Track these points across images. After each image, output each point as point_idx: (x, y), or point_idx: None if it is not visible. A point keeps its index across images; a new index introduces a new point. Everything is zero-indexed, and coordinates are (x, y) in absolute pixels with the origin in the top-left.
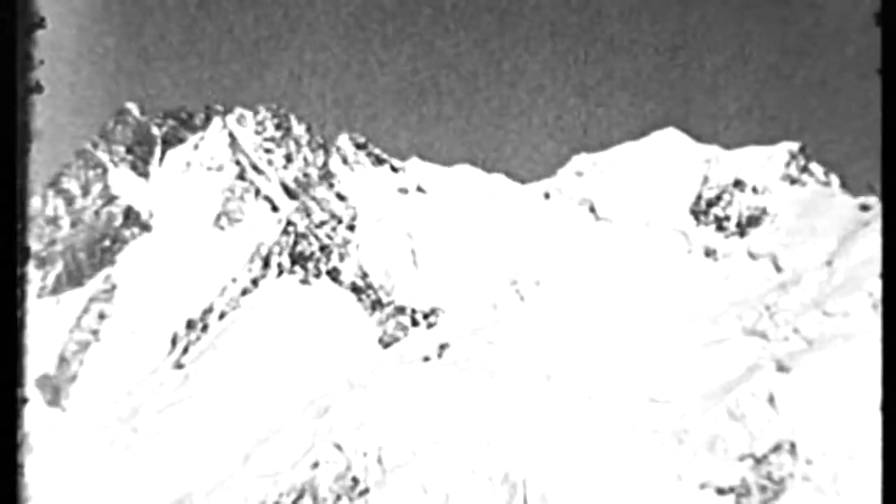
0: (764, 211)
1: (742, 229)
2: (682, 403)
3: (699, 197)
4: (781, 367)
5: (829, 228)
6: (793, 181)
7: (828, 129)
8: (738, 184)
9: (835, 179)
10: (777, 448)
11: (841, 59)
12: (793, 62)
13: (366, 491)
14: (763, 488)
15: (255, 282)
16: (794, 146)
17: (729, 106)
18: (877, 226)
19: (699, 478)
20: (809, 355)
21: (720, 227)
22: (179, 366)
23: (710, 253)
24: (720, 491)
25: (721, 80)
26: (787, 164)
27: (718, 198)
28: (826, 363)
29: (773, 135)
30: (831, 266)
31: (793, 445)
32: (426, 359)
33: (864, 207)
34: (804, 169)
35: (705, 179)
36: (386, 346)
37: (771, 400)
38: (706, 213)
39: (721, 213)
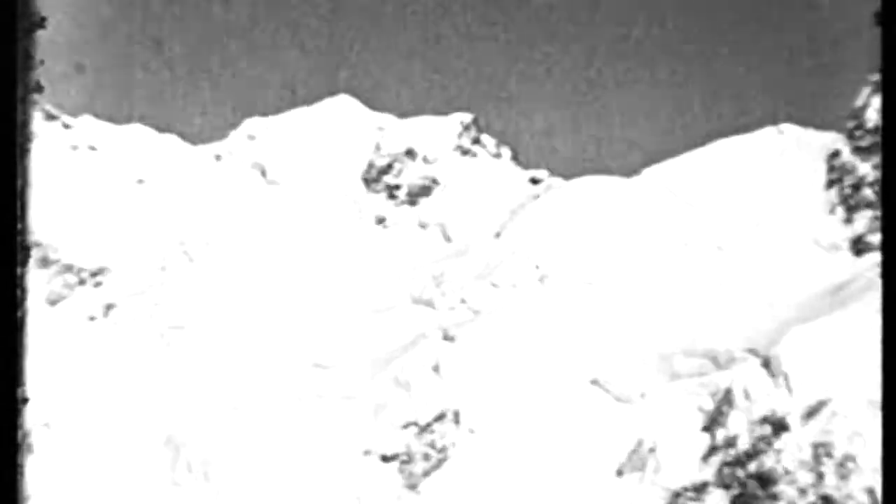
0: (435, 181)
1: (413, 198)
2: (348, 370)
3: (371, 165)
4: (447, 337)
5: (498, 200)
6: (464, 152)
7: (496, 103)
8: (409, 153)
9: (506, 152)
10: (441, 416)
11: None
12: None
13: (29, 449)
14: (426, 456)
15: None
16: (467, 117)
17: (403, 75)
18: (547, 198)
19: (363, 445)
20: (475, 325)
21: (391, 196)
22: None
23: (380, 221)
24: (384, 458)
25: (398, 49)
26: (460, 135)
27: (390, 166)
28: (492, 334)
29: (446, 105)
30: (500, 238)
31: (457, 414)
32: (92, 318)
33: (534, 181)
34: (476, 140)
35: (377, 147)
36: (52, 304)
37: (436, 368)
38: (377, 180)
39: (392, 182)
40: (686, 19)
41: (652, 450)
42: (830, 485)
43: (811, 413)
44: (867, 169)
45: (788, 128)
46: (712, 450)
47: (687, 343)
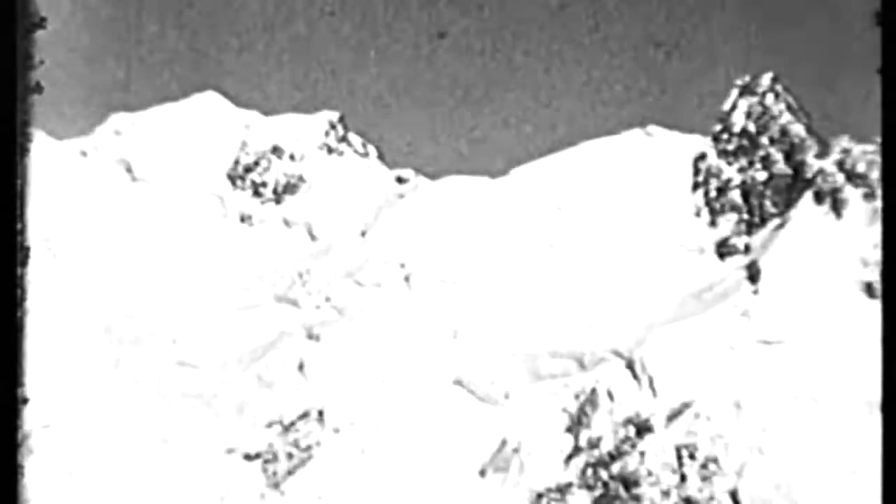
0: (301, 178)
1: (278, 196)
2: (212, 368)
3: (237, 162)
4: (312, 336)
5: (364, 199)
6: (330, 150)
7: (363, 101)
8: (275, 150)
9: (372, 150)
10: (305, 415)
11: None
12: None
13: None
14: (290, 455)
15: None
16: (334, 116)
17: (268, 73)
18: (413, 198)
19: (226, 443)
20: (340, 324)
21: (256, 193)
22: None
23: (245, 218)
24: (247, 457)
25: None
26: (326, 134)
27: (256, 163)
28: (357, 333)
29: (313, 104)
30: (365, 237)
31: (321, 413)
32: None
33: (400, 180)
34: (342, 139)
35: (243, 145)
36: None
37: (300, 367)
38: (243, 178)
39: (258, 179)
40: (552, 20)
41: (516, 450)
42: (693, 486)
43: (674, 415)
44: (733, 172)
45: (655, 130)
46: (576, 451)
47: (551, 344)
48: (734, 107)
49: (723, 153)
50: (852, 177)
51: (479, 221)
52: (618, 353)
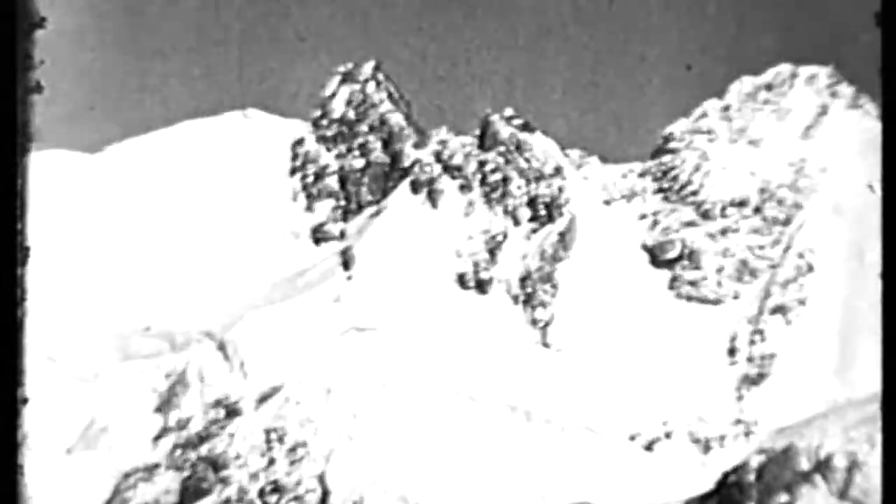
0: None
1: None
2: None
3: None
4: None
5: None
6: None
7: None
8: None
9: None
10: None
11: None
12: None
13: None
14: None
15: None
16: None
17: None
18: None
19: None
20: None
21: None
22: None
23: None
24: None
25: None
26: None
27: None
28: None
29: None
30: None
31: None
32: None
33: None
34: None
35: None
36: None
37: None
38: None
39: None
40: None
41: (104, 429)
42: (281, 470)
43: (265, 398)
44: (331, 159)
45: (254, 113)
46: (165, 431)
47: (143, 323)
48: (335, 93)
49: (321, 139)
50: (449, 168)
51: (75, 197)
52: (209, 335)
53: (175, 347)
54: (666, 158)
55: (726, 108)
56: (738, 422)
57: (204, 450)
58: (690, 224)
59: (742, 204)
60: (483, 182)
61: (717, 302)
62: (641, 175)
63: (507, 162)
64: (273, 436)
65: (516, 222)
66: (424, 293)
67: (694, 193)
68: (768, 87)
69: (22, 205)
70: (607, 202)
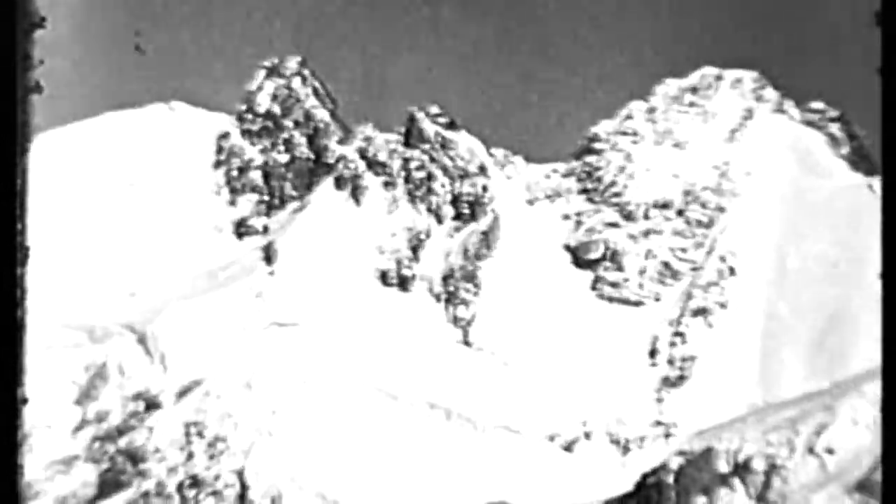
0: None
1: None
2: None
3: None
4: None
5: None
6: None
7: None
8: None
9: None
10: None
11: None
12: None
13: None
14: None
15: None
16: None
17: None
18: None
19: None
20: None
21: None
22: None
23: None
24: None
25: None
26: None
27: None
28: None
29: None
30: None
31: None
32: None
33: None
34: None
35: None
36: None
37: None
38: None
39: None
40: None
41: None
42: (200, 464)
43: (184, 392)
44: (255, 153)
45: (179, 105)
46: (83, 423)
47: (64, 315)
48: (260, 87)
49: (246, 133)
50: (373, 165)
51: None
52: (130, 328)
53: (95, 339)
54: (590, 159)
55: (651, 110)
56: (658, 423)
57: (123, 443)
58: (613, 225)
59: (665, 206)
60: (407, 179)
61: (638, 303)
62: (565, 175)
63: (432, 160)
64: (192, 430)
65: (440, 220)
66: (346, 290)
67: (618, 195)
68: (693, 90)
69: (22, 205)
70: (531, 202)
